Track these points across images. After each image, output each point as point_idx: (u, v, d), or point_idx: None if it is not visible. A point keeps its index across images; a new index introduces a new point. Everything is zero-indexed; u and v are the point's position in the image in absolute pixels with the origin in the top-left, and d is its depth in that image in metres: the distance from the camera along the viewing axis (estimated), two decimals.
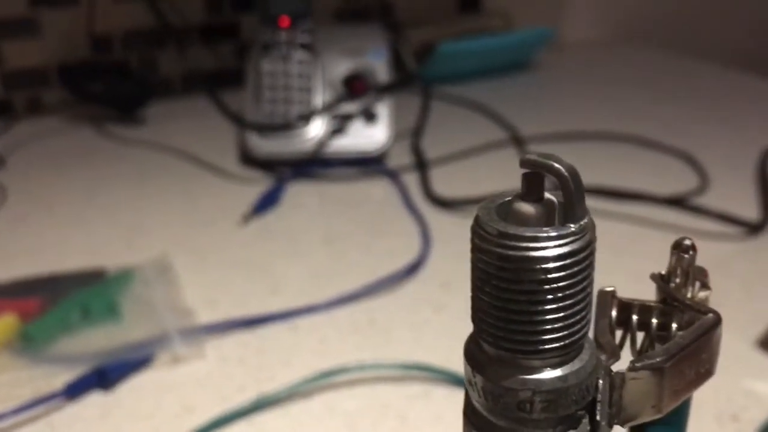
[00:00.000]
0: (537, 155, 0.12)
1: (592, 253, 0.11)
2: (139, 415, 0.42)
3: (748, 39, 1.18)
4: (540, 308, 0.11)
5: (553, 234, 0.11)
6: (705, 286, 0.14)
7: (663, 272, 0.14)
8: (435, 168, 0.73)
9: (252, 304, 0.51)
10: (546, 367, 0.11)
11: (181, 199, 0.69)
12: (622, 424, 0.13)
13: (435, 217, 0.63)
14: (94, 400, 0.43)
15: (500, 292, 0.11)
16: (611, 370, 0.13)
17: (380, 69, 0.76)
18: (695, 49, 1.08)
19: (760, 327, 0.47)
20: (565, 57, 1.09)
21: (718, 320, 0.14)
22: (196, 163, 0.76)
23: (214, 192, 0.70)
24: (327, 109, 0.73)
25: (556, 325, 0.11)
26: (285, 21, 0.75)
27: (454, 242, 0.59)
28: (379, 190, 0.70)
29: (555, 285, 0.11)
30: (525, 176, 0.12)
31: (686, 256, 0.14)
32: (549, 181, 0.13)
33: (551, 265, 0.11)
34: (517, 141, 0.77)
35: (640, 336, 0.15)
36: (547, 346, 0.11)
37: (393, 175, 0.71)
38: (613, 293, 0.14)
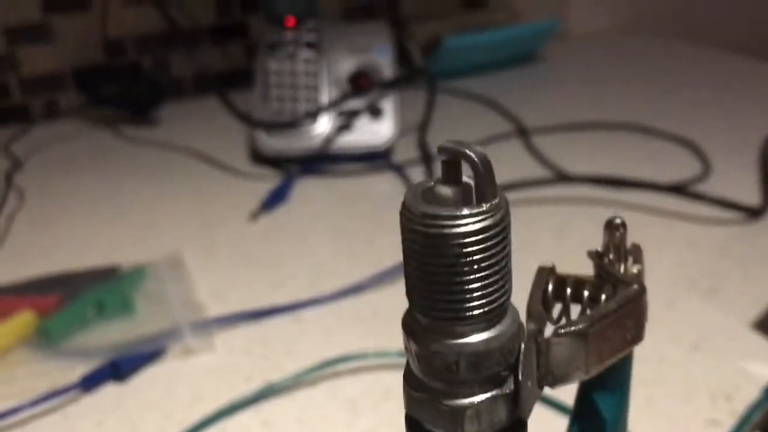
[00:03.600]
0: (452, 143, 0.13)
1: (505, 229, 0.13)
2: (151, 405, 0.44)
3: (753, 27, 1.18)
4: (459, 279, 0.12)
5: (467, 212, 0.12)
6: (637, 261, 0.15)
7: (599, 249, 0.15)
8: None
9: (259, 298, 0.53)
10: (469, 332, 0.13)
11: (192, 197, 0.71)
12: (551, 386, 0.14)
13: None
14: (109, 392, 0.45)
15: (425, 266, 0.12)
16: (537, 336, 0.14)
17: (385, 65, 0.77)
18: (700, 39, 1.08)
19: (757, 309, 0.48)
20: (571, 48, 1.09)
21: (641, 291, 0.15)
22: (207, 162, 0.77)
23: (225, 189, 0.72)
24: (333, 105, 0.75)
25: (475, 294, 0.12)
26: (290, 21, 0.76)
27: None
28: (385, 184, 0.71)
29: (471, 258, 0.12)
30: (443, 162, 0.14)
31: (617, 233, 0.15)
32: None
33: (467, 240, 0.12)
34: (522, 132, 0.78)
35: (577, 309, 0.16)
36: (467, 314, 0.12)
37: (399, 170, 0.73)
38: (551, 269, 0.15)
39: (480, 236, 0.12)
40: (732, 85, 0.91)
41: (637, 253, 0.15)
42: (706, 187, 0.64)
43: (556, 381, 0.14)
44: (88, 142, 0.85)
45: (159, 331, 0.49)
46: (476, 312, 0.12)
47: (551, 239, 0.59)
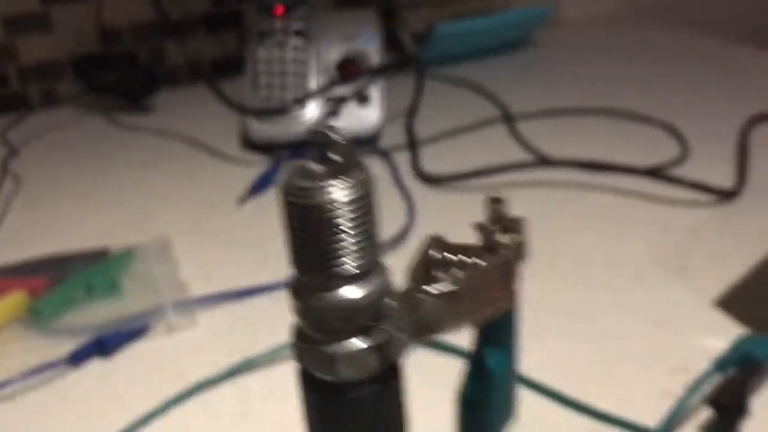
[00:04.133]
0: (321, 127, 0.14)
1: (364, 200, 0.14)
2: (135, 380, 0.46)
3: (749, 12, 1.18)
4: (328, 242, 0.14)
5: (331, 185, 0.14)
6: (517, 232, 0.16)
7: (483, 221, 0.17)
8: (427, 147, 0.75)
9: (243, 279, 0.55)
10: (341, 289, 0.14)
11: (184, 182, 0.73)
12: (425, 336, 0.16)
13: (422, 193, 0.66)
14: (95, 367, 0.47)
15: (299, 232, 0.14)
16: (410, 294, 0.16)
17: (373, 52, 0.78)
18: (695, 22, 1.09)
19: (722, 288, 0.50)
20: (563, 34, 1.10)
21: (509, 257, 0.16)
22: (199, 148, 0.79)
23: (216, 175, 0.74)
24: (321, 92, 0.76)
25: (342, 256, 0.14)
26: (279, 9, 0.78)
27: (438, 215, 0.62)
28: (372, 169, 0.73)
29: (337, 224, 0.14)
30: (314, 144, 0.15)
31: (497, 207, 0.17)
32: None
33: (332, 207, 0.14)
34: (508, 118, 0.80)
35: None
36: (337, 273, 0.14)
37: (386, 155, 0.74)
38: (439, 238, 0.17)
39: (344, 205, 0.14)
40: (718, 70, 0.92)
41: (518, 225, 0.17)
42: (684, 171, 0.65)
43: (429, 333, 0.16)
44: (85, 129, 0.87)
45: (144, 310, 0.51)
46: (345, 271, 0.14)
47: (530, 222, 0.61)
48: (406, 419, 0.17)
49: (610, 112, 0.80)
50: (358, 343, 0.15)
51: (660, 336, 0.46)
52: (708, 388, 0.39)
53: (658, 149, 0.71)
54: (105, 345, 0.47)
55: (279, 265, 0.57)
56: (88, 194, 0.71)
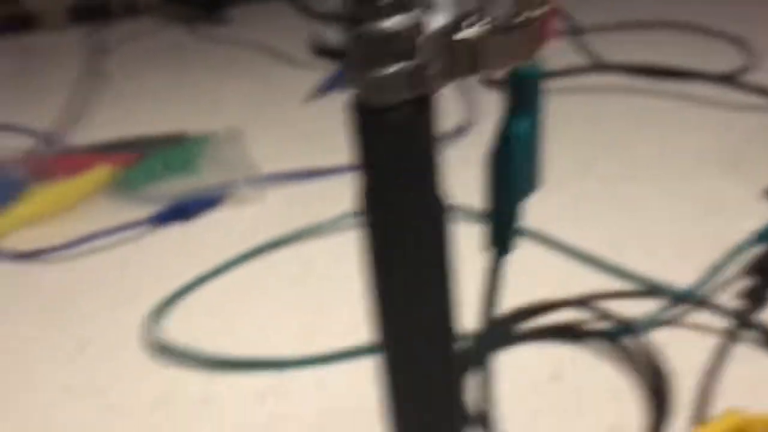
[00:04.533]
0: None
1: None
2: (208, 242, 0.50)
3: None
4: None
5: None
6: (546, 5, 0.19)
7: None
8: None
9: (311, 162, 0.58)
10: (382, 17, 0.17)
11: (257, 84, 0.76)
12: (453, 76, 0.18)
13: (484, 96, 0.68)
14: (175, 230, 0.51)
15: None
16: (444, 36, 0.18)
17: None
18: None
19: None
20: None
21: (535, 20, 0.18)
22: (273, 56, 0.83)
23: (289, 79, 0.77)
24: None
25: None
26: None
27: (496, 115, 0.64)
28: None
29: None
30: None
31: None
32: None
33: None
34: (576, 31, 0.80)
35: None
36: (377, 3, 0.17)
37: None
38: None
39: None
40: None
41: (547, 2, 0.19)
42: (750, 78, 0.65)
43: (458, 75, 0.18)
44: (164, 37, 0.92)
45: (218, 184, 0.55)
46: (386, 3, 0.17)
47: (585, 124, 0.62)
48: (438, 154, 0.19)
49: (680, 26, 0.79)
50: (395, 68, 0.18)
51: (706, 221, 0.47)
52: (749, 259, 0.40)
53: (725, 60, 0.71)
54: (185, 210, 0.52)
55: (343, 153, 0.60)
56: (167, 95, 0.76)
